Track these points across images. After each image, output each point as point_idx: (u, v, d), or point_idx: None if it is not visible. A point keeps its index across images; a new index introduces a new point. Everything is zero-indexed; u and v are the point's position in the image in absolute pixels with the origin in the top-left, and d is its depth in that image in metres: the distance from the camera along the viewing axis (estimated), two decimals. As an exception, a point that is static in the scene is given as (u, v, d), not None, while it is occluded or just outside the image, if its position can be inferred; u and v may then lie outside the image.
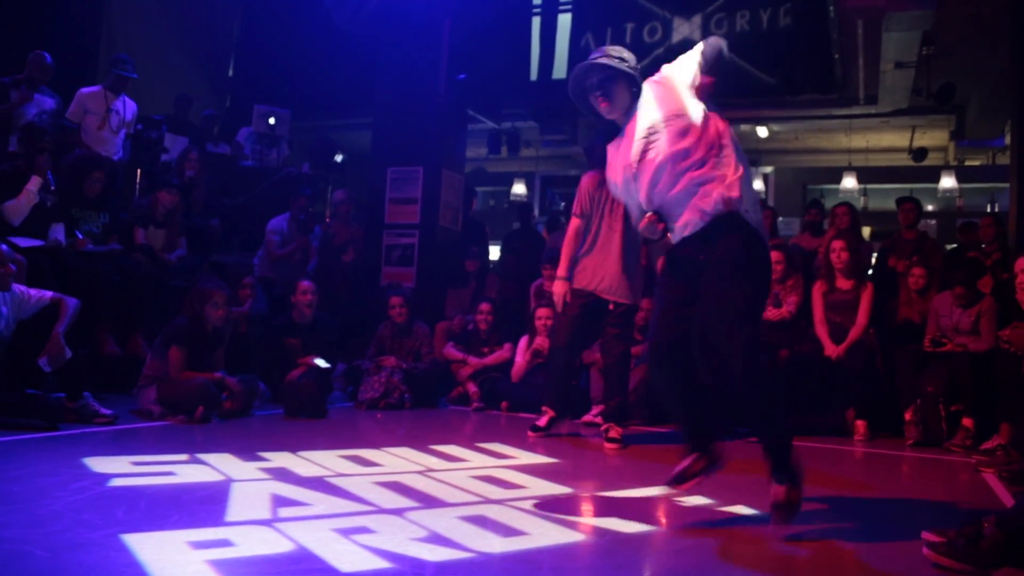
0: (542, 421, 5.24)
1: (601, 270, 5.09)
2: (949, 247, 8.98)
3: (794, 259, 6.83)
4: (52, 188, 5.96)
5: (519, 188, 14.73)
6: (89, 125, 7.28)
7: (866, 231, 12.04)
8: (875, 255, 7.91)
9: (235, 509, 2.99)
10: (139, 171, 7.93)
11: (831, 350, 6.03)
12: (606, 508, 3.35)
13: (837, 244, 6.26)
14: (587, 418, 5.89)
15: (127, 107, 7.55)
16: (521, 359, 6.61)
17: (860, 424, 5.89)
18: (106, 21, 9.84)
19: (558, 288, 5.20)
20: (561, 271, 5.22)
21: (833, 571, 2.77)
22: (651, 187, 3.07)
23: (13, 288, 4.69)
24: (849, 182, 12.65)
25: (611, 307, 5.10)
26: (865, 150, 13.36)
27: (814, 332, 6.24)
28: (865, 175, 13.07)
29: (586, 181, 5.26)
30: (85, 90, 7.38)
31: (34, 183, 5.81)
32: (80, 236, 6.11)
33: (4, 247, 4.74)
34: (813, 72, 10.47)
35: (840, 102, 11.13)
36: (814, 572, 2.80)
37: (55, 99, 7.23)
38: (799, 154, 14.32)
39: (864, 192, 13.38)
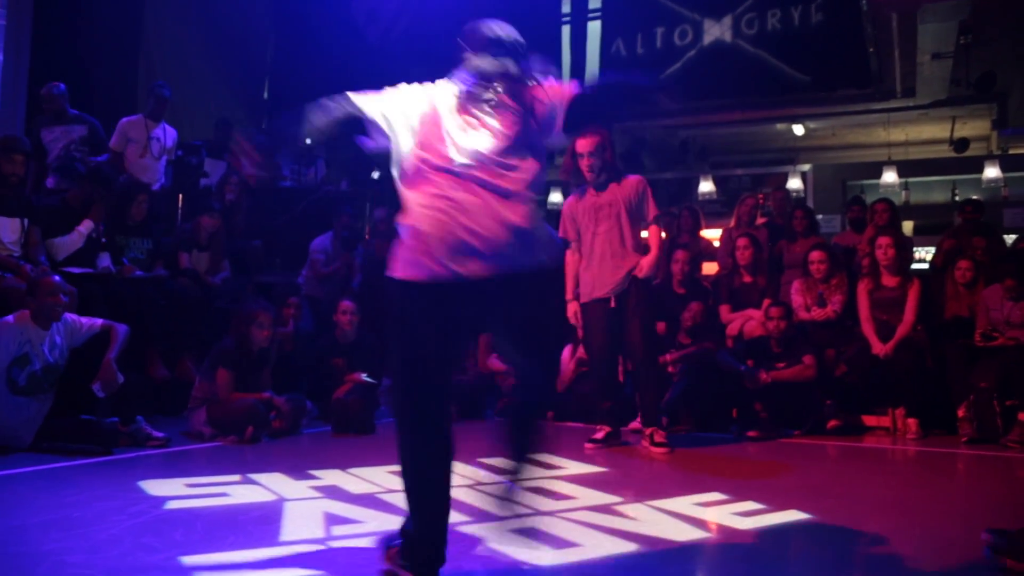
0: (599, 435, 5.25)
1: (597, 275, 5.21)
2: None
3: (837, 257, 6.75)
4: (103, 238, 6.12)
5: (555, 197, 14.73)
6: (131, 153, 7.42)
7: (909, 226, 11.86)
8: (930, 250, 7.76)
9: (289, 529, 3.03)
10: (181, 196, 8.05)
11: (879, 348, 5.94)
12: (657, 516, 3.33)
13: (883, 240, 6.17)
14: (633, 425, 5.84)
15: (167, 134, 7.69)
16: (565, 368, 6.60)
17: (912, 423, 5.78)
18: (144, 50, 10.02)
19: (570, 310, 5.36)
20: (568, 294, 5.37)
21: (889, 571, 2.73)
22: None
23: (66, 317, 4.79)
24: (890, 176, 12.45)
25: (612, 304, 5.15)
26: (905, 143, 13.15)
27: (860, 331, 6.16)
28: (906, 168, 12.85)
29: (565, 206, 5.49)
30: (126, 119, 7.52)
31: (86, 226, 5.94)
32: (127, 263, 6.23)
33: (57, 278, 4.84)
34: (848, 67, 10.37)
35: (877, 96, 10.98)
36: (870, 571, 2.77)
37: (85, 126, 7.27)
38: (837, 150, 14.14)
39: (906, 186, 13.15)
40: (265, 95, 13.06)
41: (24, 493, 3.65)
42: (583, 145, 5.21)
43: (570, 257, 5.38)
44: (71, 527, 2.96)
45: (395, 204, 2.98)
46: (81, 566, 2.50)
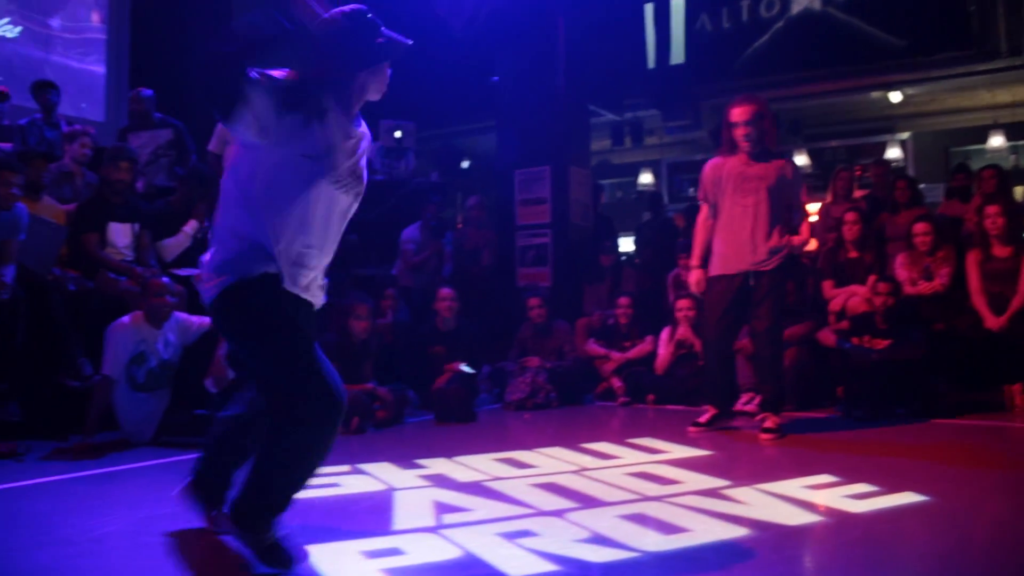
0: (703, 418, 5.15)
1: (733, 249, 4.94)
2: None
3: (942, 229, 6.52)
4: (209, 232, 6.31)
5: (646, 178, 14.60)
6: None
7: (1021, 191, 11.35)
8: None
9: (401, 517, 3.10)
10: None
11: (992, 322, 5.72)
12: (766, 500, 3.28)
13: (991, 209, 5.93)
14: (737, 407, 5.77)
15: (262, 134, 7.87)
16: (664, 351, 6.55)
17: (1030, 398, 5.55)
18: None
19: (693, 277, 5.13)
20: (694, 260, 5.13)
21: (1015, 556, 2.63)
22: None
23: (177, 316, 4.99)
24: (996, 140, 11.95)
25: (751, 282, 4.93)
26: (1012, 105, 12.56)
27: (971, 304, 5.93)
28: (1015, 131, 12.30)
29: (707, 167, 5.15)
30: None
31: (191, 227, 6.17)
32: (230, 261, 6.44)
33: (165, 279, 5.05)
34: (947, 28, 9.96)
35: (979, 57, 10.51)
36: (994, 556, 2.67)
37: (170, 129, 7.31)
38: (938, 116, 13.58)
39: (1014, 150, 12.60)
40: (353, 90, 13.27)
41: (149, 485, 3.82)
42: (738, 114, 4.91)
43: (702, 222, 5.11)
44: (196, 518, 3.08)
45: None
46: (209, 556, 2.61)
